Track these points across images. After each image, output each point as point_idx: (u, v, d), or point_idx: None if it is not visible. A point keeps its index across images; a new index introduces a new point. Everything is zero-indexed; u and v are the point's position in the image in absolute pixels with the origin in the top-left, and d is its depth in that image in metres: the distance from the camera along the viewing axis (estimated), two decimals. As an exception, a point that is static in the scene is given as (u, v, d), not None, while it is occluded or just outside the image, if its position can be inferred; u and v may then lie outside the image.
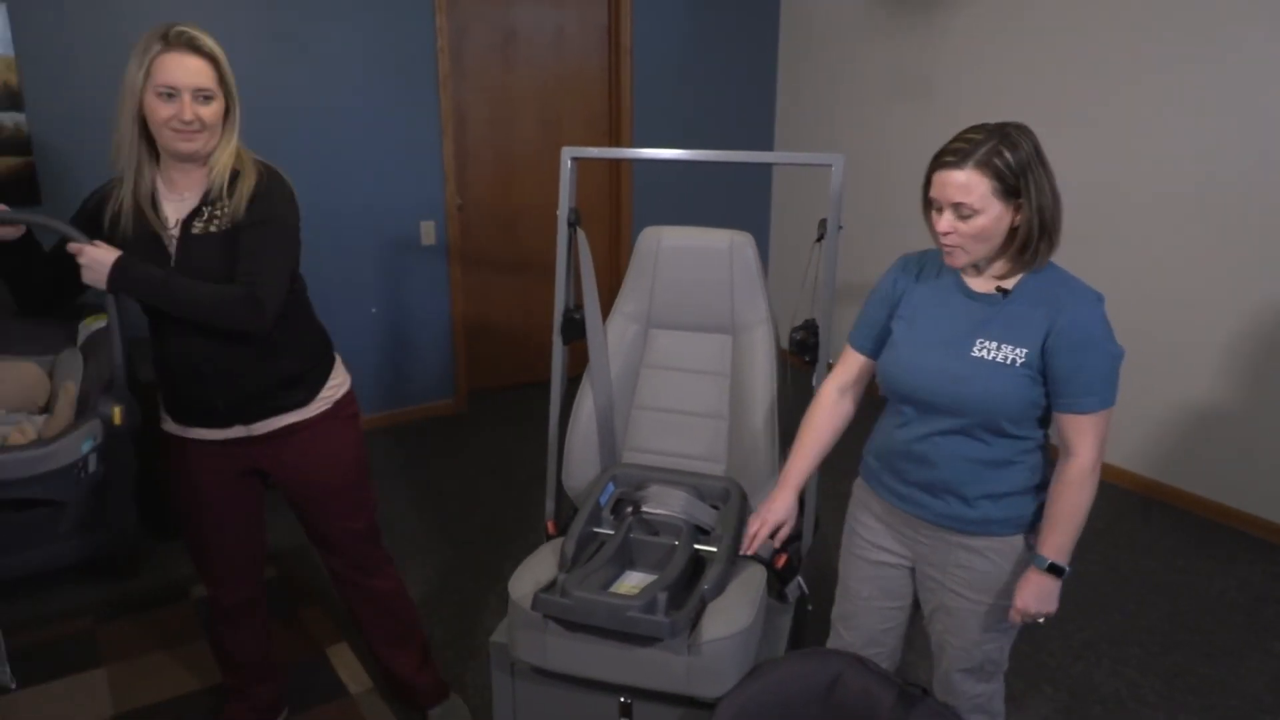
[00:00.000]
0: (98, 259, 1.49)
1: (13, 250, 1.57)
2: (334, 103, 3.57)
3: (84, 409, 1.85)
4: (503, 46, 4.05)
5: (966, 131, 1.37)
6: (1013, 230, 1.37)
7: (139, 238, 1.59)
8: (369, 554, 1.94)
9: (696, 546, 1.77)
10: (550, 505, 2.17)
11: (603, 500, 1.88)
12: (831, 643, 1.75)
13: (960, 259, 1.40)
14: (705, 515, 1.85)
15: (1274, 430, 2.99)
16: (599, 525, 1.85)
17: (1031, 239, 1.36)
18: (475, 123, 4.07)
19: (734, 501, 1.84)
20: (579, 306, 2.06)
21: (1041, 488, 1.48)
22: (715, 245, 1.98)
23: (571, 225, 2.05)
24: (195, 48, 1.55)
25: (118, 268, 1.49)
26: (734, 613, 1.61)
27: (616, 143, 4.41)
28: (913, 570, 1.62)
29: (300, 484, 1.81)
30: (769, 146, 4.89)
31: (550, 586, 1.61)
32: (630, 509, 1.89)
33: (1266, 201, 2.92)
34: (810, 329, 1.96)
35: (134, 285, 1.51)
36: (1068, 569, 1.44)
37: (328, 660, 2.33)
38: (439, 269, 4.01)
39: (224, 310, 1.54)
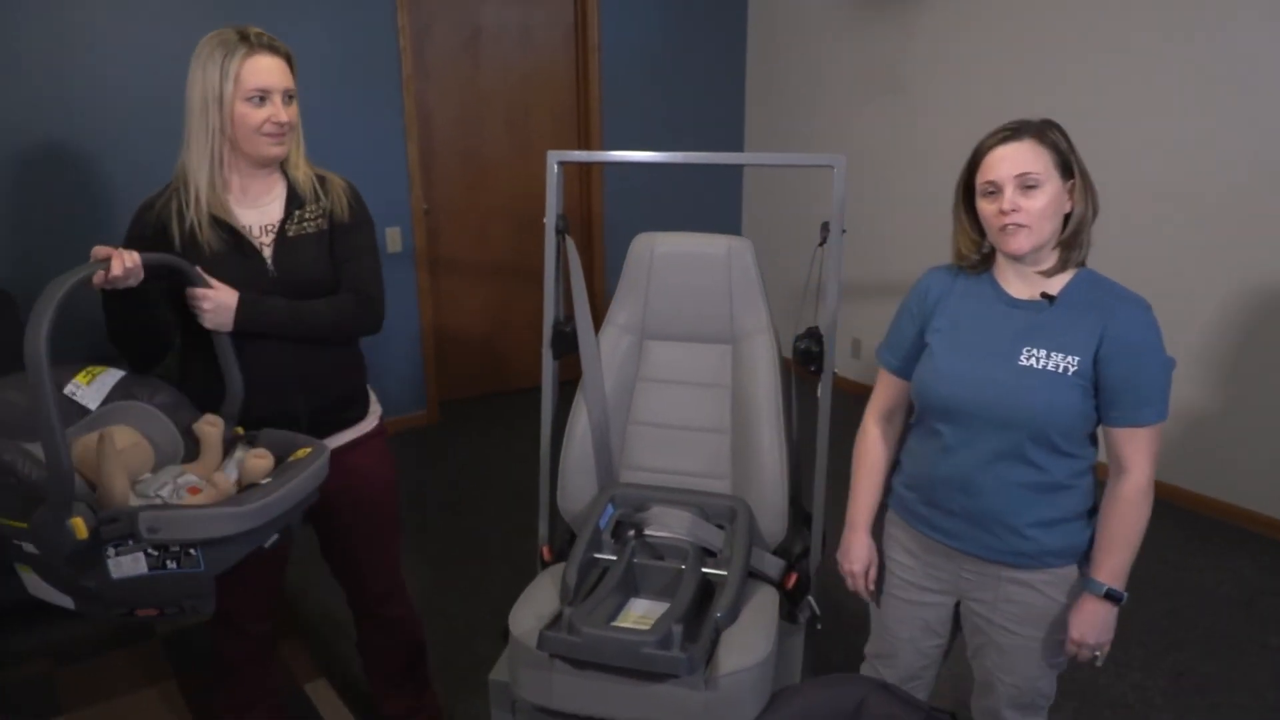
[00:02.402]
0: (221, 302, 1.44)
1: (140, 300, 1.45)
2: (293, 105, 3.41)
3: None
4: (467, 45, 3.91)
5: (1007, 123, 1.33)
6: (1064, 217, 1.33)
7: (226, 250, 1.51)
8: (397, 579, 1.90)
9: (704, 570, 1.68)
10: (543, 529, 2.06)
11: (602, 523, 1.78)
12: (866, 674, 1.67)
13: (1024, 241, 1.30)
14: (711, 536, 1.76)
15: (1266, 424, 2.99)
16: (600, 550, 1.75)
17: (1085, 224, 1.33)
18: (440, 124, 3.93)
19: (741, 521, 1.75)
20: (569, 319, 1.95)
21: (1094, 512, 1.40)
22: (712, 251, 1.89)
23: (560, 233, 1.95)
24: (276, 48, 1.48)
25: (244, 306, 1.45)
26: (751, 641, 1.53)
27: (586, 142, 4.30)
28: (955, 604, 1.53)
29: (353, 503, 1.74)
30: (739, 145, 4.82)
31: (555, 622, 1.51)
32: (632, 532, 1.78)
33: (1251, 194, 2.92)
34: (815, 337, 1.86)
35: (260, 319, 1.48)
36: (1125, 595, 1.36)
37: (306, 697, 2.21)
38: (407, 276, 3.87)
39: (345, 319, 1.58)
